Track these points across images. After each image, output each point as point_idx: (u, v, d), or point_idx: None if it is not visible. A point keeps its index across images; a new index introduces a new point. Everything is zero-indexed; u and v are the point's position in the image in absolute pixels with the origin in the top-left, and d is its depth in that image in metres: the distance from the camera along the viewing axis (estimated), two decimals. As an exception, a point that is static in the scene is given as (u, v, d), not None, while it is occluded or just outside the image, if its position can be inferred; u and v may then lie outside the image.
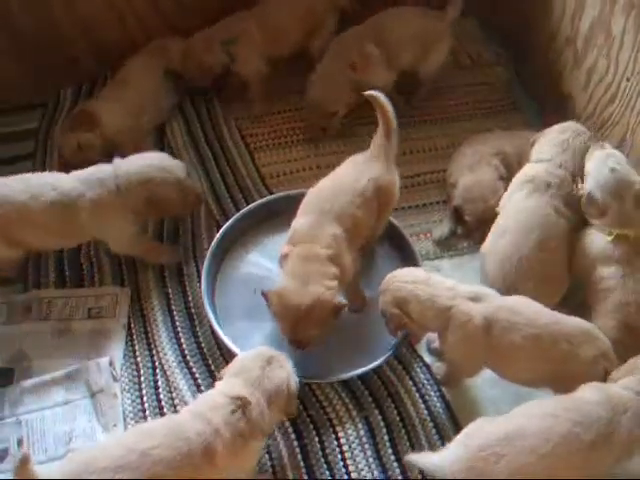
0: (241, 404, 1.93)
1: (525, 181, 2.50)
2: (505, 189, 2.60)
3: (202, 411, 1.94)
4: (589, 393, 1.97)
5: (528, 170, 2.54)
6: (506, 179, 2.69)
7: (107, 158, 2.58)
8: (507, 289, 2.28)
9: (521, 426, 1.90)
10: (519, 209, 2.46)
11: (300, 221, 2.34)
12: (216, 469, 1.89)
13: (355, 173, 2.43)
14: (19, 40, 3.02)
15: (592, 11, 2.74)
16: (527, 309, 2.13)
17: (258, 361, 2.03)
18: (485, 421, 1.97)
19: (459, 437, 1.94)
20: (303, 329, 2.22)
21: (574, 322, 2.14)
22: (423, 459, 1.95)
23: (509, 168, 2.75)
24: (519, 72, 3.43)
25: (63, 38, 3.09)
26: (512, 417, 1.95)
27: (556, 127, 2.62)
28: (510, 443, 1.85)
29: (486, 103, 3.32)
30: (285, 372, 2.05)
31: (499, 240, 2.42)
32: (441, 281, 2.20)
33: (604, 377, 2.06)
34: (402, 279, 2.20)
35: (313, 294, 2.18)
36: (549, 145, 2.57)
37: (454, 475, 1.86)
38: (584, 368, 2.06)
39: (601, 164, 2.42)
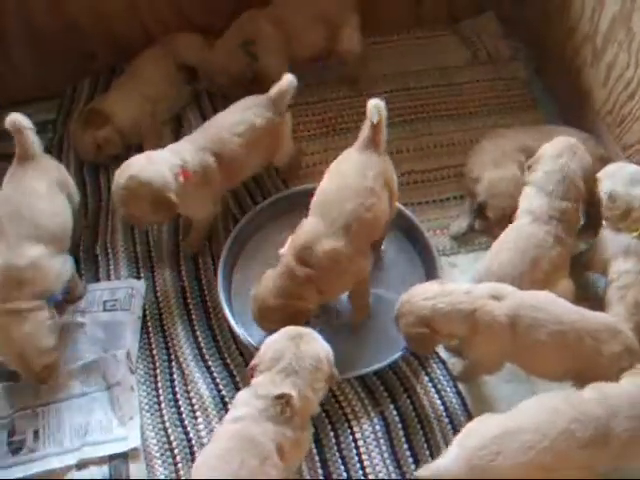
0: (284, 401, 1.89)
1: (528, 211, 2.46)
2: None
3: (256, 417, 1.89)
4: (589, 392, 1.97)
5: (530, 199, 2.48)
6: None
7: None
8: None
9: (521, 422, 1.90)
10: (519, 236, 2.42)
11: (307, 221, 2.31)
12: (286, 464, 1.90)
13: (358, 171, 2.33)
14: (37, 34, 3.03)
15: (613, 6, 2.70)
16: (550, 305, 2.12)
17: (288, 341, 1.99)
18: (484, 418, 1.97)
19: (457, 437, 1.94)
20: (261, 322, 2.30)
21: (598, 317, 2.13)
22: (430, 470, 1.94)
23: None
24: (537, 67, 3.40)
25: (81, 32, 3.10)
26: (513, 413, 1.95)
27: (550, 150, 2.51)
28: (508, 439, 1.85)
29: (504, 98, 3.29)
30: (318, 344, 2.02)
31: (493, 261, 2.42)
32: (456, 288, 2.17)
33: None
34: (420, 297, 2.15)
35: (264, 301, 2.25)
36: (548, 173, 2.47)
37: (455, 476, 1.86)
38: (608, 364, 2.05)
39: (614, 169, 2.48)
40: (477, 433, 1.91)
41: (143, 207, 2.35)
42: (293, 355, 1.95)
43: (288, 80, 2.60)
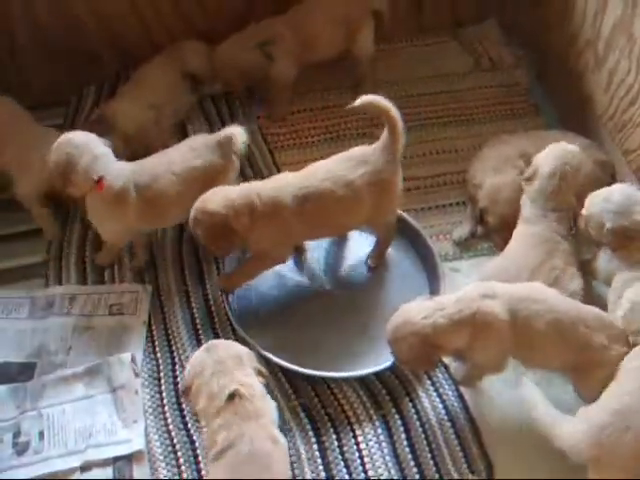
0: (236, 395, 1.95)
1: (526, 217, 2.53)
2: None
3: (240, 426, 1.94)
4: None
5: (527, 208, 2.54)
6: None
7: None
8: None
9: (628, 403, 1.93)
10: (526, 235, 2.50)
11: (289, 173, 2.48)
12: None
13: (351, 162, 2.43)
14: (42, 39, 3.06)
15: (614, 13, 2.72)
16: (544, 295, 2.16)
17: (204, 353, 2.07)
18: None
19: (577, 416, 1.98)
20: (194, 226, 2.36)
21: (588, 308, 2.19)
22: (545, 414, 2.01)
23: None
24: (539, 74, 3.42)
25: (86, 38, 3.13)
26: (613, 397, 1.98)
27: (545, 168, 2.54)
28: (627, 417, 1.90)
29: (506, 105, 3.31)
30: (235, 347, 2.10)
31: (502, 262, 2.49)
32: (446, 299, 2.17)
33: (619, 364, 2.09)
34: (418, 317, 2.11)
35: (206, 206, 2.32)
36: (542, 185, 2.52)
37: (584, 454, 1.92)
38: (599, 354, 2.09)
39: (605, 201, 2.38)
40: (597, 410, 1.95)
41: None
42: (213, 362, 2.03)
43: (238, 132, 2.58)
